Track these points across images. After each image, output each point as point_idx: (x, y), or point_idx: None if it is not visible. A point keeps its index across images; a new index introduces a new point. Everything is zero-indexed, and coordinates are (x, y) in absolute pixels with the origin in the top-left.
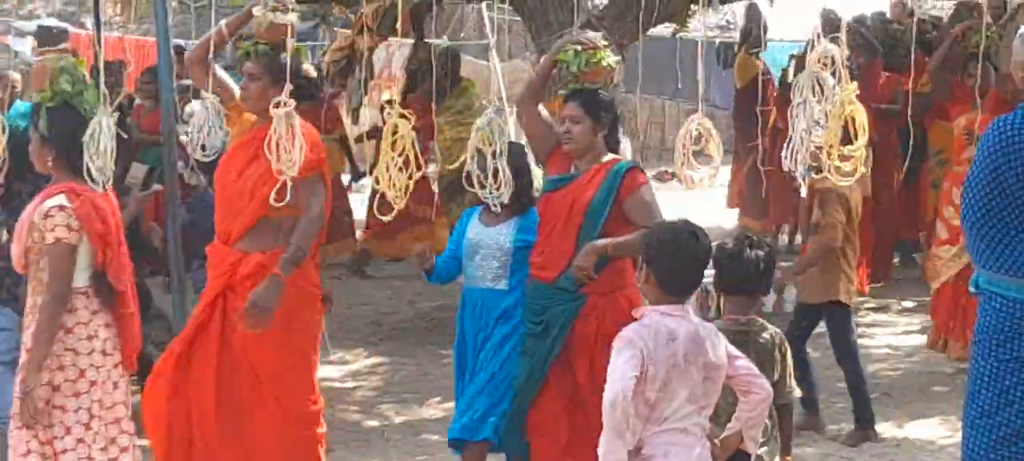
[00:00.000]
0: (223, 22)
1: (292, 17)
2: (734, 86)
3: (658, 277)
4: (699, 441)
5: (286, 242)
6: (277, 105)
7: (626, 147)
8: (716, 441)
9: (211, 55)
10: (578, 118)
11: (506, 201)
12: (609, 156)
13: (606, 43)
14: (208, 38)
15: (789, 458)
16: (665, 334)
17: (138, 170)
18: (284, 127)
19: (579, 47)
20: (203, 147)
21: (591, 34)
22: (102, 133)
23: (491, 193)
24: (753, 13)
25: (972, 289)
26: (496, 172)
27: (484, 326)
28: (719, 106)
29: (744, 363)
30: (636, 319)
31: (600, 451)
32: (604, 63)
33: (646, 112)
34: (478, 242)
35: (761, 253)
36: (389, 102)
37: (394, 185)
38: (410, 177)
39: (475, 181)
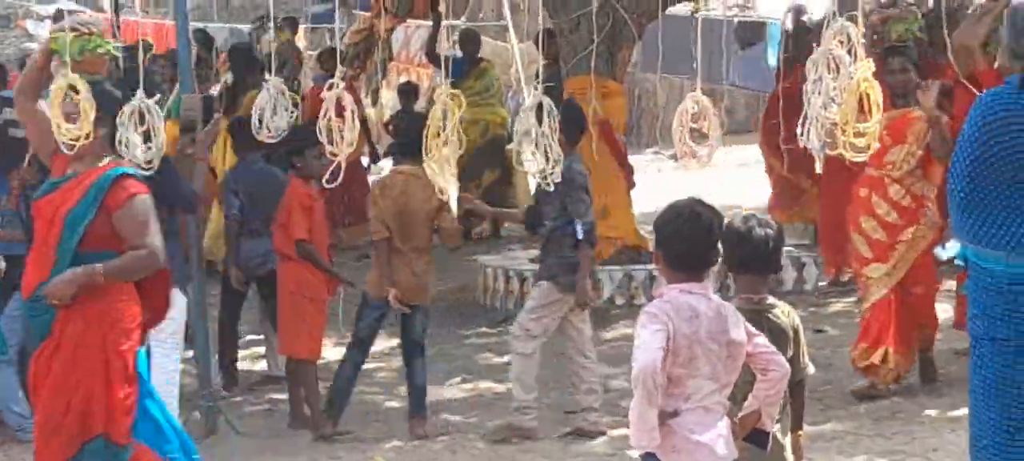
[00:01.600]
0: None
1: None
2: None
3: (666, 257)
4: (721, 419)
5: None
6: (330, 87)
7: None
8: (734, 419)
9: None
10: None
11: (559, 179)
12: (107, 159)
13: (104, 28)
14: None
15: (801, 433)
16: (687, 310)
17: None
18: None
19: (75, 33)
20: (268, 129)
21: (89, 17)
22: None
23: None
24: None
25: (959, 262)
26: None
27: None
28: (739, 86)
29: (762, 341)
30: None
31: (632, 418)
32: (102, 51)
33: (665, 91)
34: None
35: (770, 231)
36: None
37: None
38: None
39: (524, 162)
